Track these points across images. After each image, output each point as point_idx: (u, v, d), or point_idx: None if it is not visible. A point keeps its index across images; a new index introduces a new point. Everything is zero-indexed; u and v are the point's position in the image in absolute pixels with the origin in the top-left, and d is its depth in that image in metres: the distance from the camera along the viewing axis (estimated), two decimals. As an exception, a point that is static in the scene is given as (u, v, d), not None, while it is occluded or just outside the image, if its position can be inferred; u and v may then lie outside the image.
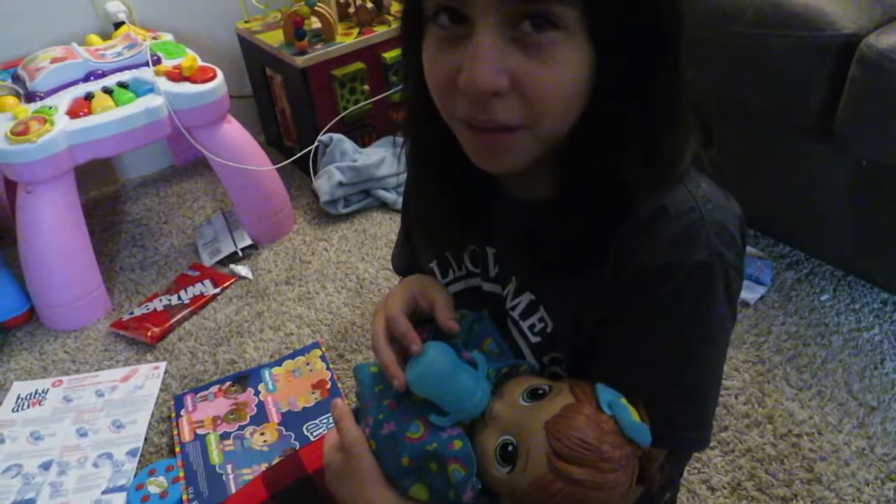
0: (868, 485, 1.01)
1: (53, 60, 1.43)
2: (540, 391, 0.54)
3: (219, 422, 1.18)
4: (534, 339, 0.63)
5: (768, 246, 1.44)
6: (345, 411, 0.63)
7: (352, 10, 1.74)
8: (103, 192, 1.88)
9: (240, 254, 1.57)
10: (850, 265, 1.31)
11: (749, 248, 1.41)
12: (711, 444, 1.08)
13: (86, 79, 1.44)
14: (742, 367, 1.20)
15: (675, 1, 0.49)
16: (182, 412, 1.20)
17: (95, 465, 1.14)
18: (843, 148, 1.13)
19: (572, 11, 0.46)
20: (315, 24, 1.68)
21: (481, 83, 0.46)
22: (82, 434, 1.19)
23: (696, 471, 1.05)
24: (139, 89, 1.40)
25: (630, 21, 0.47)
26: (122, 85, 1.41)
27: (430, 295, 0.65)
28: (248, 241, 1.59)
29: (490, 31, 0.46)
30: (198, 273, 1.54)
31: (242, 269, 1.54)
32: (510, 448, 0.52)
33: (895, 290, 1.28)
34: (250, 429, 1.17)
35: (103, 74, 1.45)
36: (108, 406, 1.25)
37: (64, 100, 1.37)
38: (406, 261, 0.80)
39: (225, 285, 1.50)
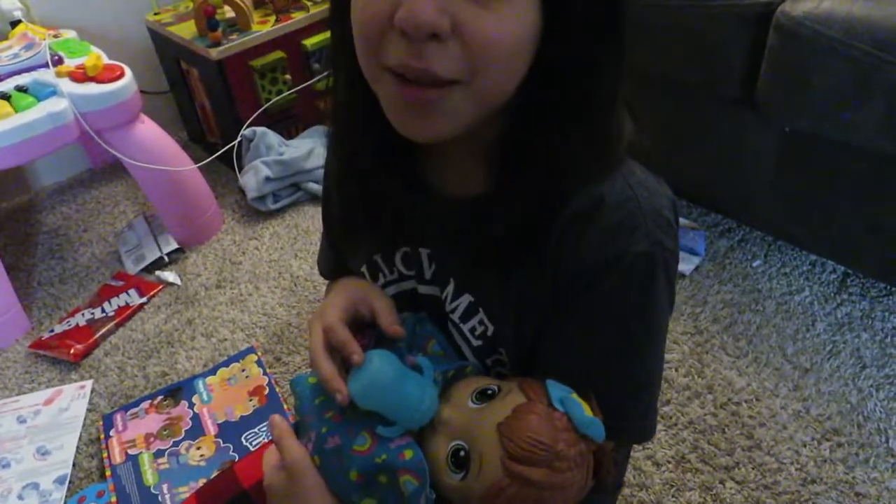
0: (805, 446, 1.03)
1: (-58, 66, 1.33)
2: (489, 392, 0.53)
3: (152, 439, 1.13)
4: (475, 343, 0.61)
5: (700, 215, 1.45)
6: (284, 428, 0.60)
7: (267, -4, 1.67)
8: (15, 202, 1.77)
9: (166, 259, 1.50)
10: (780, 230, 1.33)
11: (682, 220, 1.41)
12: (654, 419, 1.09)
13: (-20, 84, 1.34)
14: (681, 340, 1.21)
15: None
16: (112, 432, 1.15)
17: (20, 496, 1.07)
18: (766, 116, 1.14)
19: None
20: (229, 13, 1.60)
21: (422, 18, 0.41)
22: (4, 465, 1.12)
23: (640, 447, 1.06)
24: (40, 93, 1.31)
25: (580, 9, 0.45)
26: (20, 89, 1.31)
27: (371, 300, 0.62)
28: (175, 245, 1.52)
29: None
30: (122, 283, 1.47)
31: (169, 276, 1.47)
32: (462, 453, 0.50)
33: (822, 252, 1.30)
34: (186, 444, 1.12)
35: (-1, 79, 1.35)
36: (31, 432, 1.18)
37: (-44, 108, 1.27)
38: (332, 264, 0.77)
39: (152, 293, 1.44)
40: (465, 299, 0.61)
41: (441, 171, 0.59)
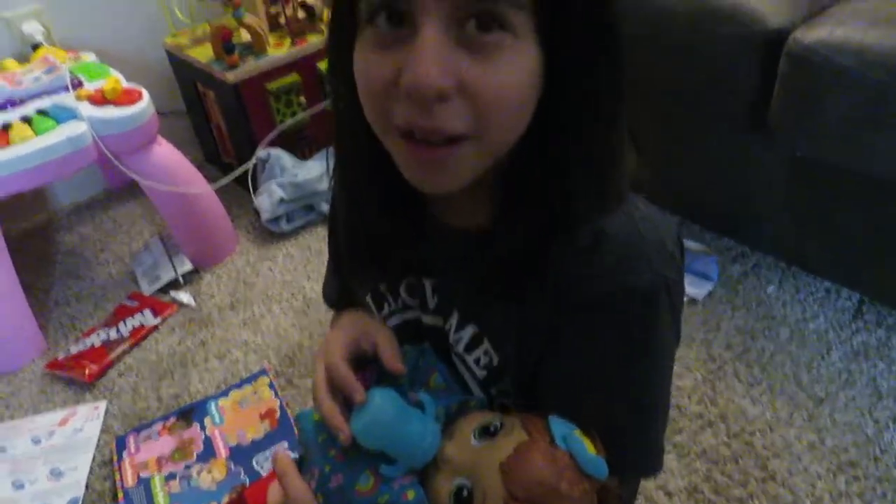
0: (821, 478, 1.02)
1: (-35, 91, 1.36)
2: (491, 428, 0.52)
3: (164, 462, 1.14)
4: (480, 373, 0.61)
5: (713, 240, 1.44)
6: (288, 464, 0.60)
7: (283, 20, 1.68)
8: (34, 222, 1.79)
9: (181, 280, 1.52)
10: (793, 256, 1.32)
11: (694, 244, 1.41)
12: (667, 448, 1.08)
13: (2, 107, 1.36)
14: (693, 366, 1.20)
15: (613, 3, 0.47)
16: (124, 454, 1.15)
17: (33, 518, 1.08)
18: (777, 141, 1.13)
19: (521, 13, 0.43)
20: (245, 36, 1.62)
21: (427, 82, 0.42)
22: (19, 486, 1.13)
23: (652, 477, 1.05)
24: (60, 116, 1.33)
25: (579, 24, 0.45)
26: (41, 112, 1.33)
27: (373, 335, 0.63)
28: (189, 266, 1.53)
29: (435, 28, 0.42)
30: (137, 303, 1.48)
31: (184, 296, 1.48)
32: (465, 493, 0.50)
33: (837, 278, 1.29)
34: (197, 467, 1.12)
35: (21, 102, 1.38)
36: (45, 453, 1.19)
37: (-22, 132, 1.29)
38: (337, 292, 0.78)
39: (166, 314, 1.45)
40: (470, 329, 0.61)
41: (445, 203, 0.59)
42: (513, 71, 0.44)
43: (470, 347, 0.61)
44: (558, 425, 0.51)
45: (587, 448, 0.49)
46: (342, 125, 0.56)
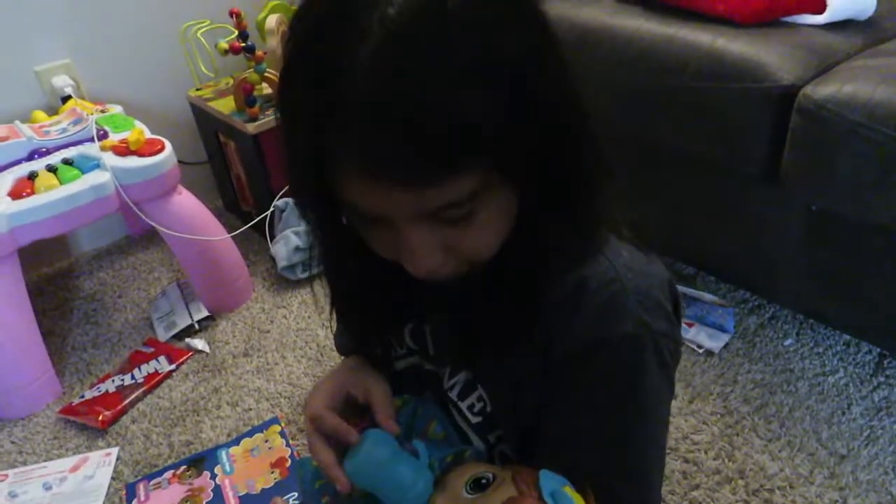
0: (843, 539, 0.99)
1: (-5, 141, 1.40)
2: (483, 481, 0.53)
3: (173, 511, 1.13)
4: (474, 420, 0.62)
5: (729, 292, 1.43)
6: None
7: (303, 73, 1.73)
8: (55, 267, 1.82)
9: (196, 326, 1.53)
10: (809, 309, 1.31)
11: (709, 296, 1.40)
12: (683, 504, 1.06)
13: (29, 157, 1.41)
14: (710, 420, 1.18)
15: (574, 111, 0.49)
16: (134, 502, 1.15)
17: (40, 567, 1.07)
18: (790, 195, 1.14)
19: (483, 180, 0.45)
20: (266, 89, 1.67)
21: (426, 272, 0.49)
22: (27, 533, 1.13)
23: (667, 534, 1.02)
24: (84, 166, 1.37)
25: (538, 154, 0.47)
26: (66, 162, 1.38)
27: (364, 385, 0.63)
28: (205, 313, 1.55)
29: (417, 230, 0.47)
30: (152, 349, 1.49)
31: (199, 343, 1.49)
32: None
33: (856, 331, 1.27)
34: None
35: (48, 152, 1.42)
36: (56, 500, 1.18)
37: (6, 181, 1.33)
38: (348, 341, 0.78)
39: (181, 361, 1.46)
40: (463, 377, 0.62)
41: None
42: (493, 223, 0.49)
43: (464, 394, 0.62)
44: (548, 481, 0.50)
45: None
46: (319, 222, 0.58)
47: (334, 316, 0.71)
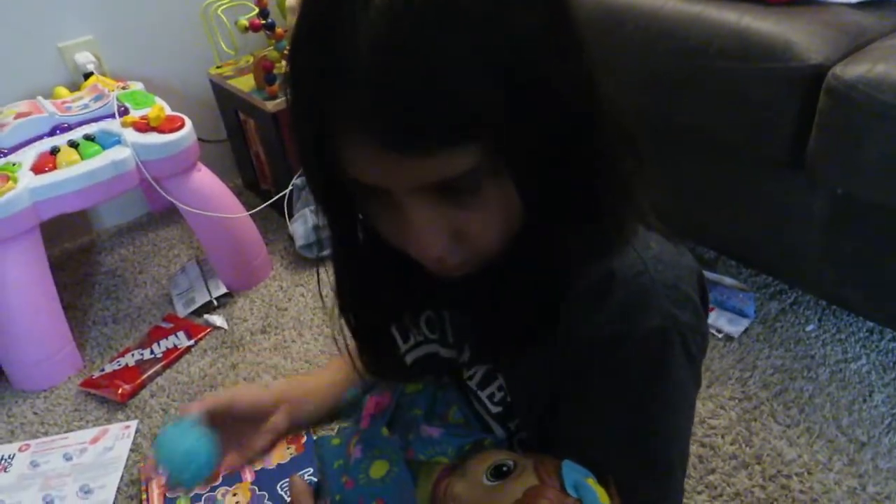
0: (861, 527, 0.98)
1: (18, 116, 1.41)
2: (504, 468, 0.52)
3: (190, 483, 1.14)
4: (495, 409, 0.61)
5: (750, 276, 1.41)
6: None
7: (323, 52, 1.73)
8: (77, 243, 1.85)
9: (215, 303, 1.54)
10: (833, 295, 1.29)
11: (730, 280, 1.38)
12: (699, 488, 1.05)
13: (51, 133, 1.42)
14: (728, 405, 1.17)
15: (586, 89, 0.47)
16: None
17: (61, 535, 1.10)
18: (815, 179, 1.11)
19: (486, 160, 0.44)
20: (286, 67, 1.66)
21: (432, 255, 0.48)
22: (48, 502, 1.15)
23: (683, 518, 1.01)
24: (106, 142, 1.38)
25: (546, 138, 0.45)
26: (88, 138, 1.39)
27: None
28: (224, 290, 1.56)
29: (419, 206, 0.46)
30: (171, 325, 1.50)
31: (217, 319, 1.50)
32: None
33: (880, 318, 1.25)
34: (222, 490, 1.13)
35: (69, 128, 1.43)
36: (75, 470, 1.20)
37: (29, 155, 1.34)
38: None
39: (199, 336, 1.47)
40: (483, 366, 0.61)
41: None
42: (499, 208, 0.48)
43: (484, 384, 0.61)
44: (571, 472, 0.49)
45: (599, 497, 0.48)
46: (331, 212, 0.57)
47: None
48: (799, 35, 1.07)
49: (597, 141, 0.48)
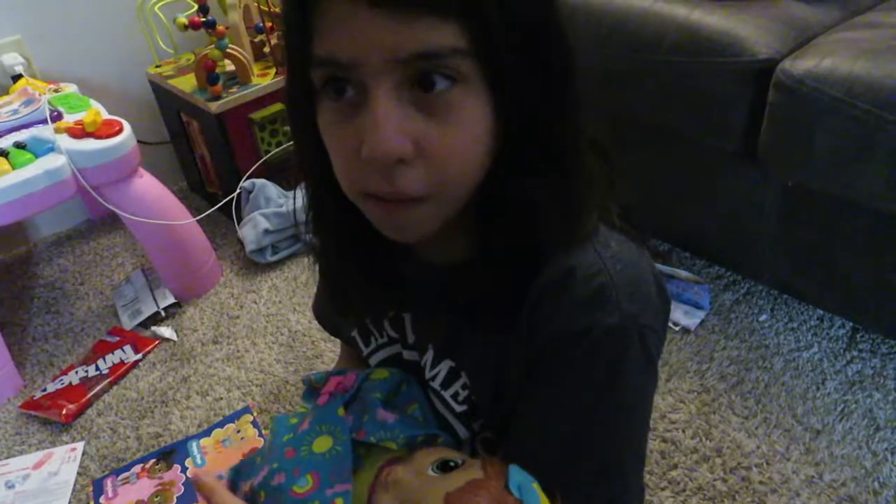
0: (820, 515, 1.00)
1: (-60, 124, 1.33)
2: (451, 463, 0.52)
3: (143, 506, 1.09)
4: (459, 409, 0.61)
5: (704, 268, 1.43)
6: (212, 484, 0.58)
7: (267, 49, 1.67)
8: (13, 254, 1.76)
9: (162, 314, 1.48)
10: (785, 285, 1.31)
11: (685, 273, 1.39)
12: (661, 484, 1.05)
13: (-22, 141, 1.34)
14: (687, 399, 1.18)
15: (561, 35, 0.47)
16: (101, 499, 1.11)
17: (5, 569, 1.04)
18: (767, 171, 1.13)
19: (467, 61, 0.43)
20: (229, 66, 1.61)
21: (385, 151, 0.43)
22: (-10, 534, 1.09)
23: (647, 516, 1.02)
24: (38, 149, 1.30)
25: (525, 59, 0.45)
26: (18, 146, 1.31)
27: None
28: (171, 300, 1.50)
29: (386, 95, 0.43)
30: (117, 338, 1.44)
31: (165, 331, 1.45)
32: None
33: (829, 307, 1.28)
34: (181, 510, 1.08)
35: (-2, 135, 1.35)
36: (19, 498, 1.14)
37: (-47, 166, 1.26)
38: (329, 310, 0.78)
39: (147, 350, 1.41)
40: (446, 365, 0.60)
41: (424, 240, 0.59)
42: (468, 127, 0.45)
43: (447, 383, 0.61)
44: (517, 474, 0.49)
45: (540, 502, 0.48)
46: (312, 180, 0.57)
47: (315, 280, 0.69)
48: (748, 30, 1.08)
49: (568, 106, 0.48)
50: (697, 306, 1.34)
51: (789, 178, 1.12)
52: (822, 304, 1.28)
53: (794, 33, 1.08)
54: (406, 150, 0.44)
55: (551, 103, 0.47)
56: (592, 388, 0.52)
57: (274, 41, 1.65)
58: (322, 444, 0.58)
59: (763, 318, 1.31)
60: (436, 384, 0.61)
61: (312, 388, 0.71)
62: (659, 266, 1.38)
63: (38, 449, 1.23)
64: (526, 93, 0.46)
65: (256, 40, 1.67)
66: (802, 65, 1.00)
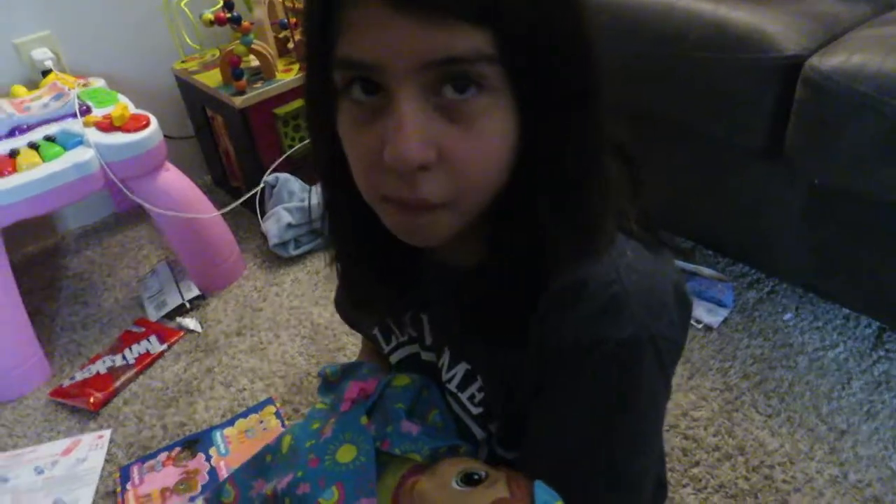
0: (844, 515, 0.99)
1: (-27, 117, 1.36)
2: (475, 476, 0.52)
3: (168, 494, 1.11)
4: (475, 410, 0.60)
5: (728, 266, 1.42)
6: None
7: (291, 45, 1.69)
8: (41, 246, 1.79)
9: (187, 305, 1.50)
10: (810, 283, 1.30)
11: (708, 270, 1.39)
12: (683, 481, 1.05)
13: (10, 134, 1.36)
14: (710, 396, 1.17)
15: (587, 42, 0.47)
16: (128, 486, 1.13)
17: (35, 552, 1.06)
18: (793, 169, 1.11)
19: (494, 68, 0.43)
20: (253, 61, 1.62)
21: (409, 157, 0.42)
22: (20, 518, 1.11)
23: (669, 512, 1.02)
24: (67, 142, 1.32)
25: (553, 67, 0.45)
26: (49, 139, 1.33)
27: None
28: (196, 292, 1.52)
29: (411, 99, 0.43)
30: (143, 329, 1.46)
31: (190, 322, 1.47)
32: None
33: (855, 306, 1.26)
34: (202, 499, 1.10)
35: (29, 128, 1.38)
36: (48, 484, 1.16)
37: (-14, 159, 1.29)
38: (349, 304, 0.79)
39: (172, 341, 1.43)
40: (462, 368, 0.60)
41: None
42: (491, 135, 0.45)
43: (463, 385, 0.61)
44: (542, 493, 0.49)
45: None
46: (329, 182, 0.57)
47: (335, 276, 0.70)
48: (775, 25, 1.07)
49: (593, 114, 0.48)
50: (720, 304, 1.33)
51: (815, 176, 1.10)
52: (848, 303, 1.27)
53: (824, 29, 1.07)
54: (429, 157, 0.43)
55: (577, 111, 0.47)
56: (605, 399, 0.51)
57: (298, 37, 1.66)
58: (346, 453, 0.58)
59: (787, 316, 1.30)
60: (452, 386, 0.61)
61: (328, 382, 0.72)
62: (682, 264, 1.38)
63: (66, 436, 1.26)
64: (551, 102, 0.46)
65: (281, 36, 1.68)
66: (831, 61, 0.98)
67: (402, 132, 0.42)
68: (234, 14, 1.54)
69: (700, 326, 1.30)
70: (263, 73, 1.60)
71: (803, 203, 1.16)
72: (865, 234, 1.11)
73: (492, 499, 0.48)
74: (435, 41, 0.41)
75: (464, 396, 0.61)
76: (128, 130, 1.34)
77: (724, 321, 1.31)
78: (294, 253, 1.61)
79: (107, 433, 1.25)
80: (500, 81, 0.43)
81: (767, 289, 1.36)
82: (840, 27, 1.08)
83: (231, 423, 1.23)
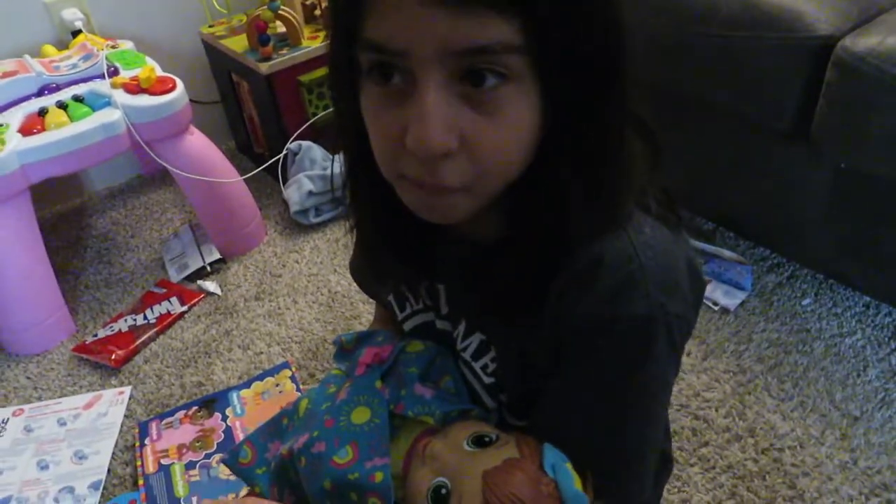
0: (852, 501, 0.99)
1: (4, 75, 1.38)
2: (486, 438, 0.53)
3: (184, 450, 1.14)
4: (488, 380, 0.61)
5: (748, 248, 1.41)
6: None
7: (318, 12, 1.68)
8: (68, 205, 1.82)
9: (208, 269, 1.53)
10: (831, 269, 1.28)
11: (728, 253, 1.37)
12: (691, 460, 1.06)
13: (39, 93, 1.39)
14: (723, 378, 1.17)
15: (619, 28, 0.46)
16: (146, 440, 1.16)
17: (56, 500, 1.10)
18: (820, 152, 1.10)
19: (519, 58, 0.42)
20: (280, 28, 1.62)
21: (432, 145, 0.43)
22: (43, 467, 1.15)
23: (675, 489, 1.03)
24: (95, 103, 1.34)
25: (580, 57, 0.44)
26: (77, 99, 1.35)
27: None
28: (217, 256, 1.54)
29: (435, 88, 0.43)
30: (165, 290, 1.49)
31: (210, 285, 1.49)
32: (443, 491, 0.51)
33: (877, 293, 1.25)
34: (217, 457, 1.13)
35: (58, 88, 1.40)
36: (70, 436, 1.20)
37: (16, 116, 1.31)
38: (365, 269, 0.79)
39: (193, 302, 1.46)
40: (477, 338, 0.61)
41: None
42: (514, 124, 0.45)
43: (477, 355, 0.61)
44: (551, 453, 0.50)
45: (574, 482, 0.49)
46: (351, 157, 0.57)
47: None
48: (808, 4, 1.05)
49: (618, 99, 0.47)
50: (738, 287, 1.32)
51: (843, 160, 1.09)
52: (869, 290, 1.25)
53: (857, 10, 1.05)
54: (451, 146, 0.43)
55: (602, 100, 0.47)
56: (618, 375, 0.52)
57: (325, 4, 1.66)
58: (360, 415, 0.59)
59: (806, 302, 1.29)
60: (466, 355, 0.62)
61: (343, 350, 0.73)
62: (702, 245, 1.37)
63: (88, 391, 1.29)
64: (577, 92, 0.45)
65: (308, 3, 1.68)
66: (865, 42, 0.96)
67: (425, 121, 0.42)
68: (262, -21, 1.54)
69: (717, 308, 1.29)
70: (289, 39, 1.60)
71: (828, 187, 1.15)
72: (890, 220, 1.10)
73: (502, 459, 0.49)
74: (463, 29, 0.40)
75: (477, 366, 0.61)
76: (154, 93, 1.36)
77: (742, 304, 1.30)
78: (314, 221, 1.63)
79: (127, 389, 1.28)
80: (526, 71, 0.43)
81: (787, 273, 1.35)
82: (875, 8, 1.06)
83: (248, 384, 1.26)
